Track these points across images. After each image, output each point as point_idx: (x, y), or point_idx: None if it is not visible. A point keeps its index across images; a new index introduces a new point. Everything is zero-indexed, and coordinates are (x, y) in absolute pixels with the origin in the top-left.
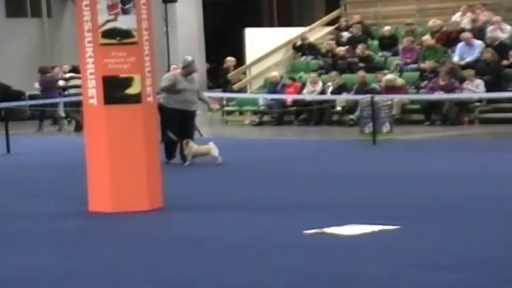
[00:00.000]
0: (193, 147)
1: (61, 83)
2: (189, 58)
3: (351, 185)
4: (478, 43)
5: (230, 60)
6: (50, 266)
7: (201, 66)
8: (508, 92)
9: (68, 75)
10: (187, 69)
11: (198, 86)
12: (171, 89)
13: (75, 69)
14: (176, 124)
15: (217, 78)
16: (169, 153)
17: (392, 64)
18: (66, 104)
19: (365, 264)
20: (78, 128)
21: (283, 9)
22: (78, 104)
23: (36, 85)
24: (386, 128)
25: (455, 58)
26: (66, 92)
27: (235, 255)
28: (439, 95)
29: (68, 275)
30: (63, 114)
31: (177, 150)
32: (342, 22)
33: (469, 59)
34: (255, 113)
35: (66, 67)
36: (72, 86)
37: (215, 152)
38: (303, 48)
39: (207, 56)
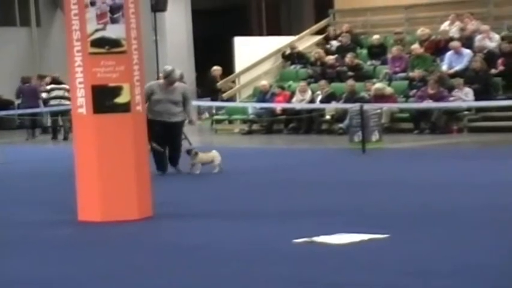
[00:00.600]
0: (201, 156)
1: (43, 95)
2: (169, 67)
3: (340, 193)
4: (467, 52)
5: (217, 69)
6: (38, 274)
7: (190, 75)
8: (496, 101)
9: (49, 87)
10: (168, 79)
11: (179, 97)
12: (147, 99)
13: (55, 81)
14: (159, 135)
15: (206, 87)
16: (160, 165)
17: (381, 73)
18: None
19: (355, 273)
20: (67, 136)
21: (272, 18)
22: (62, 114)
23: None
24: (375, 136)
25: (444, 67)
26: (48, 103)
27: (225, 263)
28: (428, 104)
29: (57, 283)
30: (49, 124)
31: (167, 161)
32: (331, 31)
33: (457, 67)
34: (244, 121)
35: (48, 79)
36: (53, 97)
37: (218, 160)
38: (292, 57)
39: (196, 64)
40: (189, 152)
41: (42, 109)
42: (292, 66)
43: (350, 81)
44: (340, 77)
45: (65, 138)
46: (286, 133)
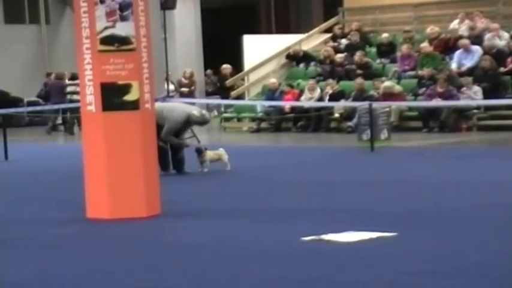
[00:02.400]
0: (209, 154)
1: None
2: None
3: (348, 191)
4: (476, 48)
5: (226, 67)
6: (46, 271)
7: (200, 72)
8: (505, 99)
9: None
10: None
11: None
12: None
13: (73, 77)
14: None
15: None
16: (163, 163)
17: (390, 71)
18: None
19: (363, 271)
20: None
21: (281, 16)
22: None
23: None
24: (384, 135)
25: (454, 65)
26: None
27: (232, 262)
28: (437, 102)
29: (65, 280)
30: (60, 121)
31: (171, 160)
32: (336, 30)
33: (468, 64)
34: (253, 119)
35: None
36: (67, 93)
37: (225, 157)
38: (297, 57)
39: (205, 62)
40: (198, 150)
41: (60, 106)
42: (301, 65)
43: (359, 80)
44: (349, 75)
45: (71, 133)
46: (294, 131)
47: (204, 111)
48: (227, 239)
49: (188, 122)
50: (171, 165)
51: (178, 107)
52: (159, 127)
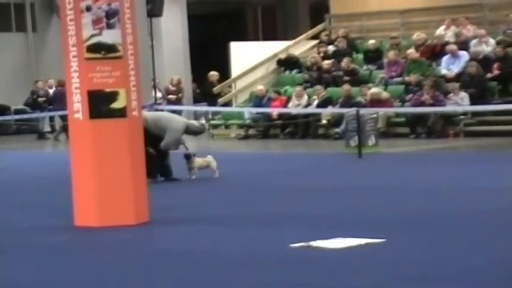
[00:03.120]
0: (197, 161)
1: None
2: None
3: (337, 198)
4: (463, 53)
5: (213, 74)
6: (35, 279)
7: (187, 80)
8: (492, 105)
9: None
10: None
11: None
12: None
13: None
14: (153, 140)
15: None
16: (150, 171)
17: (377, 77)
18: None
19: (351, 277)
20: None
21: (268, 23)
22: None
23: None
24: (371, 141)
25: (443, 71)
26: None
27: (220, 269)
28: (424, 108)
29: (53, 287)
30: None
31: (157, 168)
32: (323, 36)
33: (455, 70)
34: (240, 126)
35: (52, 81)
36: None
37: (214, 164)
38: (288, 62)
39: (192, 69)
40: (187, 156)
41: (47, 114)
42: (288, 72)
43: (346, 86)
44: (336, 81)
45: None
46: (282, 138)
47: (202, 121)
48: (216, 246)
49: (186, 131)
50: (158, 174)
51: (176, 117)
52: (151, 135)
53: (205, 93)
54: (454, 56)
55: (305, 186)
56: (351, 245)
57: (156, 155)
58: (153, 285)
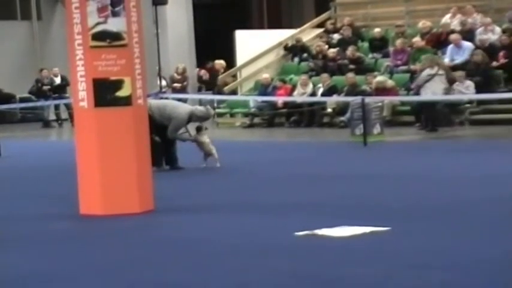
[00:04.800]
0: (206, 141)
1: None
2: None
3: (342, 186)
4: (467, 44)
5: (219, 63)
6: (39, 267)
7: (192, 68)
8: (497, 94)
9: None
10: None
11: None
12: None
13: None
14: (158, 128)
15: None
16: (156, 159)
17: (382, 66)
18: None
19: (356, 266)
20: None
21: (273, 11)
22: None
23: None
24: (377, 129)
25: (446, 59)
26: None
27: (225, 257)
28: (429, 96)
29: (58, 276)
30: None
31: (163, 156)
32: (328, 25)
33: (458, 60)
34: (245, 115)
35: (56, 70)
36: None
37: (216, 155)
38: (295, 49)
39: (198, 58)
40: (198, 128)
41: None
42: (294, 60)
43: (350, 74)
44: (341, 70)
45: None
46: (287, 126)
47: (208, 106)
48: (221, 234)
49: (191, 118)
50: (163, 162)
51: (181, 105)
52: (156, 123)
53: (209, 82)
54: (458, 46)
55: (310, 175)
56: (355, 233)
57: (162, 143)
58: (158, 273)
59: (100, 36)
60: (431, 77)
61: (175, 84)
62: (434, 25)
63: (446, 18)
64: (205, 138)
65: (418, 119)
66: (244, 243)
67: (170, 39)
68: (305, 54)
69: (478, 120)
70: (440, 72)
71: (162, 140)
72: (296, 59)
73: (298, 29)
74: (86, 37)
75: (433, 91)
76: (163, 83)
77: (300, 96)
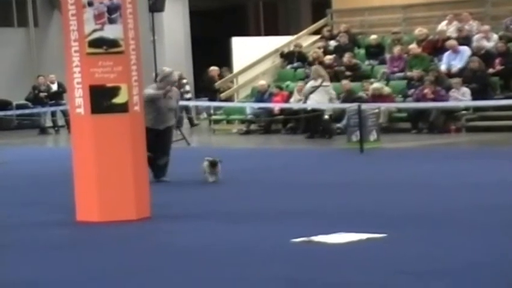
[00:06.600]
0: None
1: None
2: (167, 69)
3: (338, 193)
4: (465, 49)
5: (214, 69)
6: (36, 274)
7: (188, 75)
8: (494, 100)
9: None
10: (166, 82)
11: (175, 104)
12: (148, 103)
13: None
14: (151, 143)
15: (204, 87)
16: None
17: (378, 72)
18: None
19: (353, 272)
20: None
21: (270, 18)
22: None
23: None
24: (373, 136)
25: (443, 67)
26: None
27: (222, 265)
28: (426, 103)
29: (55, 283)
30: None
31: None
32: (325, 31)
33: (458, 66)
34: (242, 121)
35: (53, 76)
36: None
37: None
38: (291, 56)
39: (194, 65)
40: (213, 163)
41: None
42: (290, 66)
43: (345, 81)
44: (338, 76)
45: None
46: (284, 133)
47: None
48: (218, 241)
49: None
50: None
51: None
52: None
53: (205, 88)
54: (455, 51)
55: (306, 182)
56: (352, 240)
57: (150, 154)
58: (155, 281)
59: (97, 43)
60: (314, 88)
61: None
62: (430, 32)
63: (442, 25)
64: (214, 178)
65: (415, 126)
66: (240, 250)
67: (167, 46)
68: (299, 63)
69: (474, 127)
70: (325, 84)
71: (152, 152)
72: (292, 66)
73: (295, 36)
74: (83, 44)
75: (318, 102)
76: None
77: (296, 103)
